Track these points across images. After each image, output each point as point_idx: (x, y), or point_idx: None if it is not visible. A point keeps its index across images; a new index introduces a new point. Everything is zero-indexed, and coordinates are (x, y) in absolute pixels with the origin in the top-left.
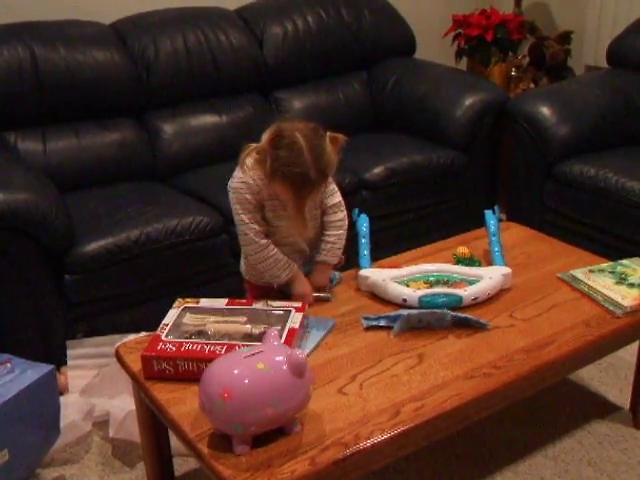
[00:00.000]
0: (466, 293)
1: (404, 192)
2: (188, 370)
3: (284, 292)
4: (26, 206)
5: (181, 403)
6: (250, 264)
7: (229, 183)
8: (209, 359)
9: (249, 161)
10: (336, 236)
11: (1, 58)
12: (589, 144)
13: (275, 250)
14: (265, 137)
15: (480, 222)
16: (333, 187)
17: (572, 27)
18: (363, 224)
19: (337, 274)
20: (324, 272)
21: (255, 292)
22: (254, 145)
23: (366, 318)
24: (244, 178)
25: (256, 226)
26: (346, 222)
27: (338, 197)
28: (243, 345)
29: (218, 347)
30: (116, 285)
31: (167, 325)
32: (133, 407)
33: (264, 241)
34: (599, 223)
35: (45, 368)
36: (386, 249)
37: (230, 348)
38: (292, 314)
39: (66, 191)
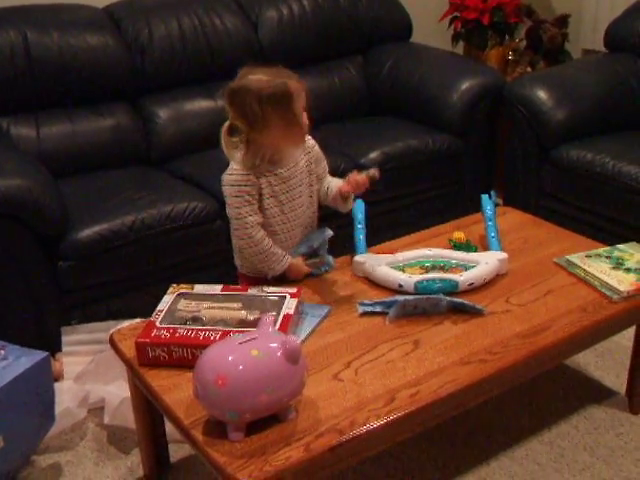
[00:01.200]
0: (462, 278)
1: (400, 177)
2: (182, 356)
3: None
4: (19, 192)
5: (176, 390)
6: (245, 255)
7: (224, 177)
8: (203, 345)
9: (238, 155)
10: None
11: None
12: (586, 128)
13: (270, 243)
14: (227, 108)
15: (476, 207)
16: (318, 150)
17: (569, 10)
18: (359, 209)
19: (331, 260)
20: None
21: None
22: (224, 125)
23: (362, 304)
24: (239, 169)
25: (255, 217)
26: None
27: (325, 161)
28: (238, 331)
29: (212, 333)
30: (110, 271)
31: (161, 311)
32: (128, 393)
33: (260, 234)
34: (596, 208)
35: (40, 355)
36: (382, 234)
37: (225, 334)
38: (287, 300)
39: (60, 177)
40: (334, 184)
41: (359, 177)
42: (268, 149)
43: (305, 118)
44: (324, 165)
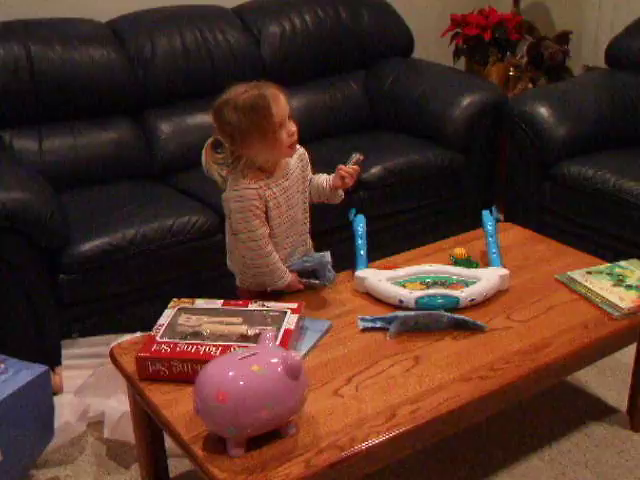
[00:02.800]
0: (463, 294)
1: (401, 192)
2: (182, 371)
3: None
4: (21, 205)
5: (176, 405)
6: (248, 269)
7: (227, 195)
8: (203, 360)
9: (239, 173)
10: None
11: None
12: (587, 145)
13: (277, 258)
14: (213, 125)
15: (477, 223)
16: (306, 154)
17: (570, 27)
18: (360, 224)
19: (332, 274)
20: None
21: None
22: (208, 141)
23: (362, 319)
24: (245, 184)
25: (264, 230)
26: None
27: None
28: (238, 346)
29: (213, 348)
30: (111, 285)
31: (162, 325)
32: (128, 407)
33: (269, 247)
34: (597, 224)
35: (39, 369)
36: (383, 249)
37: (225, 349)
38: (288, 315)
39: (62, 190)
40: (322, 180)
41: (349, 169)
42: (254, 160)
43: (292, 125)
44: (309, 167)
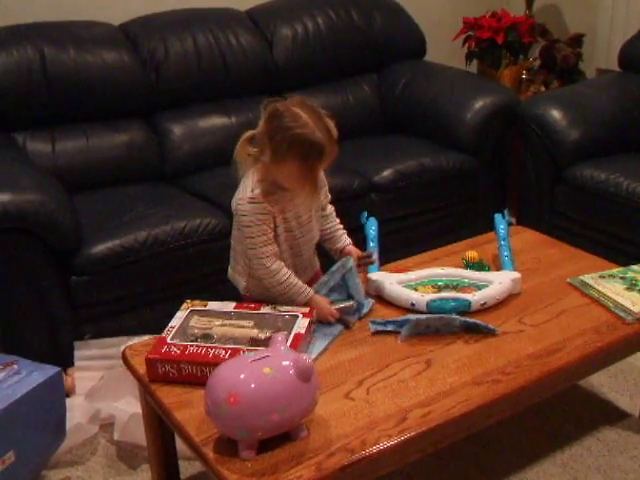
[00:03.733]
0: (475, 298)
1: (413, 195)
2: (191, 373)
3: None
4: (34, 207)
5: (187, 407)
6: (255, 284)
7: (235, 205)
8: (213, 363)
9: (252, 181)
10: (340, 224)
11: (11, 59)
12: (600, 148)
13: (289, 274)
14: (261, 121)
15: (489, 226)
16: (323, 176)
17: (583, 30)
18: (372, 227)
19: (370, 301)
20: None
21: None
22: (248, 132)
23: (373, 322)
24: (252, 197)
25: (269, 248)
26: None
27: (327, 187)
28: (248, 350)
29: (222, 351)
30: (123, 287)
31: (173, 327)
32: (137, 410)
33: (276, 265)
34: (609, 228)
35: (52, 370)
36: (394, 252)
37: (234, 352)
38: (299, 319)
39: (74, 192)
40: (337, 238)
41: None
42: (275, 180)
43: (322, 176)
44: (325, 190)
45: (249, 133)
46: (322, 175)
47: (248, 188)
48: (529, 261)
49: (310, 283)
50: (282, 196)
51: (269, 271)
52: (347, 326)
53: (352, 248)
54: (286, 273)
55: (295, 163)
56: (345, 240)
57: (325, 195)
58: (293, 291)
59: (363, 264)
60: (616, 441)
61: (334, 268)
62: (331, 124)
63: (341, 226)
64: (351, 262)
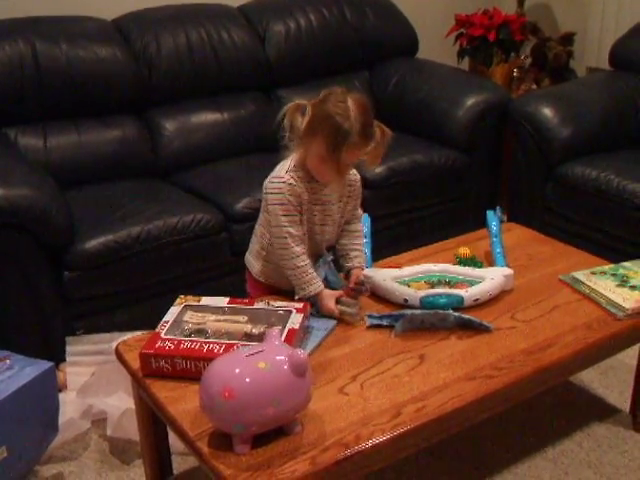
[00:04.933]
0: (467, 294)
1: (405, 192)
2: (186, 368)
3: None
4: (26, 202)
5: (181, 401)
6: (270, 270)
7: (267, 183)
8: (207, 358)
9: (289, 164)
10: (361, 245)
11: (2, 53)
12: (591, 146)
13: (307, 261)
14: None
15: (482, 223)
16: (359, 187)
17: (574, 28)
18: (364, 224)
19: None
20: (358, 275)
21: (258, 291)
22: (298, 102)
23: (370, 316)
24: (285, 178)
25: (295, 229)
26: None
27: (361, 211)
28: (242, 345)
29: (216, 346)
30: (116, 282)
31: (167, 322)
32: (129, 405)
33: (298, 248)
34: (601, 225)
35: (44, 365)
36: (387, 249)
37: (228, 347)
38: (293, 315)
39: (66, 187)
40: (349, 257)
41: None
42: (308, 167)
43: (347, 169)
44: (356, 205)
45: (301, 102)
46: (352, 178)
47: (284, 169)
48: (521, 258)
49: None
50: (312, 187)
51: (291, 252)
52: (349, 322)
53: (359, 272)
54: (305, 259)
55: (322, 140)
56: (355, 261)
57: (354, 208)
58: (306, 279)
59: (353, 290)
60: (606, 436)
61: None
62: (373, 124)
63: (360, 247)
64: (329, 258)
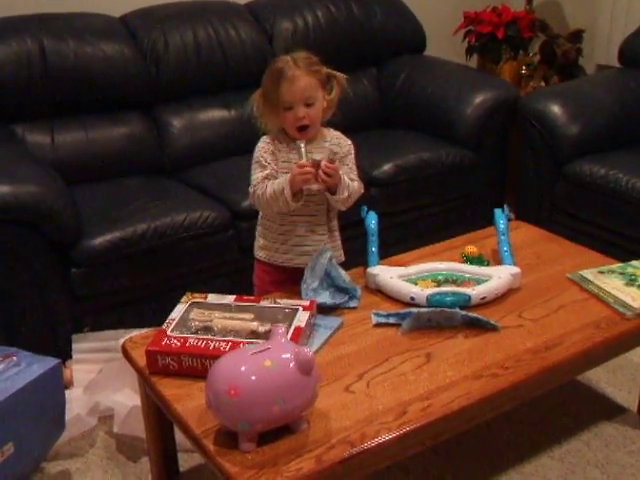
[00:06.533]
0: (474, 292)
1: (413, 190)
2: (192, 366)
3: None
4: (33, 199)
5: (187, 399)
6: (268, 241)
7: None
8: (213, 356)
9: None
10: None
11: (10, 50)
12: (600, 144)
13: (267, 184)
14: None
15: (489, 221)
16: (347, 153)
17: (583, 26)
18: (371, 221)
19: (357, 292)
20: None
21: (266, 276)
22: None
23: (376, 314)
24: (261, 139)
25: (263, 173)
26: (358, 190)
27: (355, 172)
28: (248, 342)
29: (222, 344)
30: (122, 279)
31: (173, 320)
32: (136, 403)
33: (263, 188)
34: (609, 224)
35: (51, 362)
36: (394, 247)
37: (235, 345)
38: (299, 312)
39: (74, 184)
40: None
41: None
42: (267, 122)
43: (300, 111)
44: (350, 170)
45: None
46: (337, 141)
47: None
48: (529, 256)
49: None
50: (292, 148)
51: (260, 196)
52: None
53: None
54: (270, 185)
55: (267, 87)
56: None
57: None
58: (277, 193)
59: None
60: (614, 436)
61: (312, 265)
62: (314, 62)
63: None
64: (328, 254)
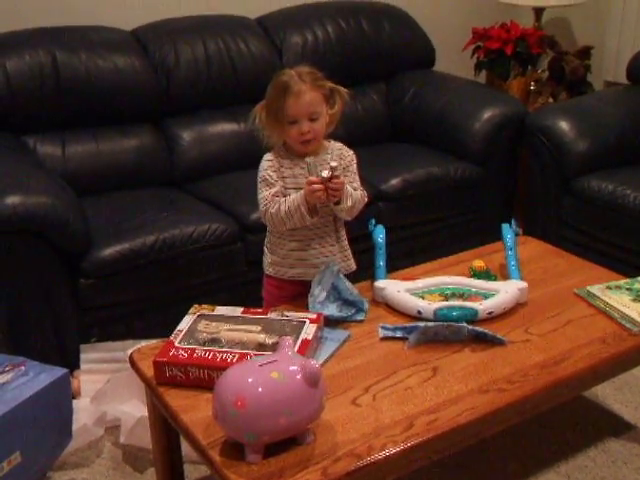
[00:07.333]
0: (482, 307)
1: (421, 204)
2: (199, 377)
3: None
4: (44, 210)
5: (194, 410)
6: (278, 257)
7: None
8: (220, 367)
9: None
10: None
11: (23, 62)
12: (607, 160)
13: (279, 202)
14: None
15: (497, 236)
16: (349, 164)
17: (592, 42)
18: (379, 235)
19: (364, 305)
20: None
21: (275, 290)
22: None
23: (383, 328)
24: (265, 157)
25: (271, 191)
26: (362, 199)
27: (358, 181)
28: (255, 354)
29: (230, 355)
30: (131, 290)
31: (181, 331)
32: (143, 413)
33: (276, 206)
34: (616, 239)
35: (59, 372)
36: (402, 261)
37: (242, 357)
38: (306, 325)
39: (84, 195)
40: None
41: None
42: (271, 136)
43: (305, 126)
44: (353, 180)
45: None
46: (339, 152)
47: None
48: (536, 271)
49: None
50: (295, 163)
51: (271, 213)
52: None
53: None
54: (283, 202)
55: (271, 101)
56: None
57: (350, 184)
58: (292, 210)
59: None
60: (621, 452)
61: (319, 278)
62: (318, 76)
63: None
64: (336, 267)
